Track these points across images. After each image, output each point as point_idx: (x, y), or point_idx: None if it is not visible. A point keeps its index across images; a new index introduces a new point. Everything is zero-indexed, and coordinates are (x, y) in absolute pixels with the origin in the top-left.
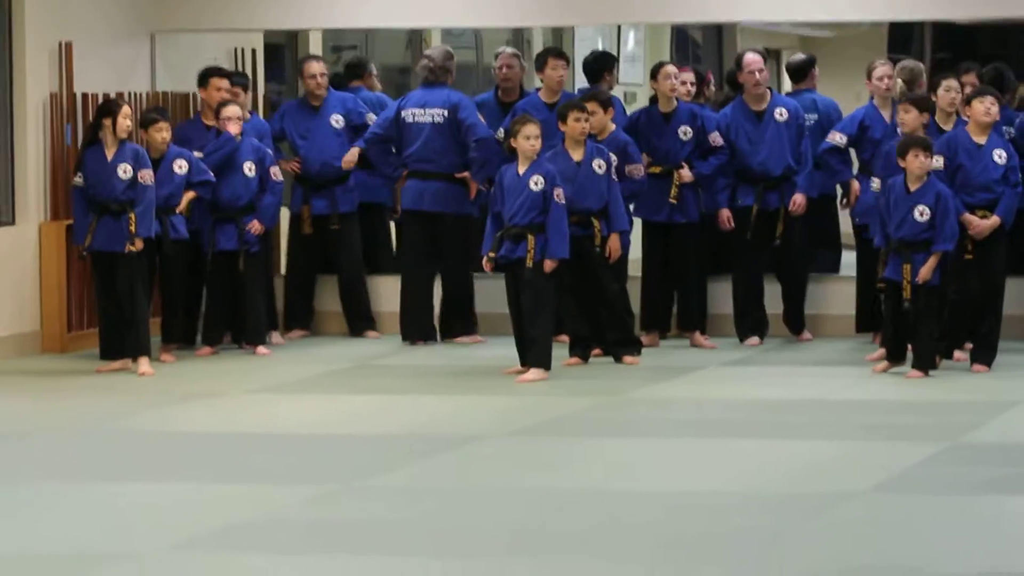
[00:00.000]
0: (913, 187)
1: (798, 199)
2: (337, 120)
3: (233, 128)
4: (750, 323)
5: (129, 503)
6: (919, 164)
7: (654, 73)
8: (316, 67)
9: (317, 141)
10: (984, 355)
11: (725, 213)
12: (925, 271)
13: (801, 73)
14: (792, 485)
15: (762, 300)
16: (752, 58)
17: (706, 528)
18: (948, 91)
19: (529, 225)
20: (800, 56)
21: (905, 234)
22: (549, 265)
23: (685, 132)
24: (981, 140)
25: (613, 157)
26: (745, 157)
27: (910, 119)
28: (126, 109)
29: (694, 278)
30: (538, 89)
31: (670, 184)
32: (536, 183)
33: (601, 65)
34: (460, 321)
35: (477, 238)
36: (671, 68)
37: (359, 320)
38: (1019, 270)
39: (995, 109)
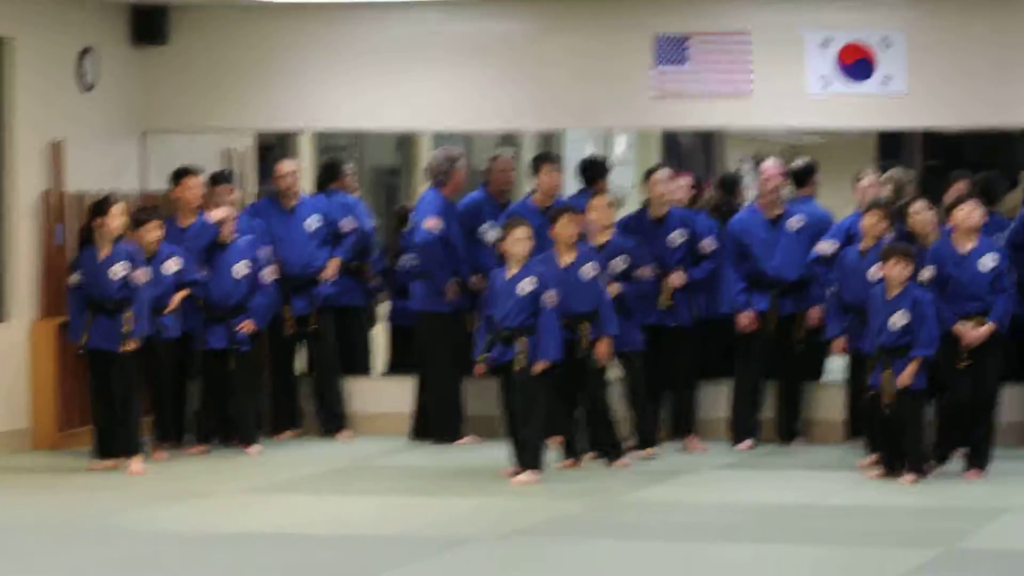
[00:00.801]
0: (892, 294)
1: (814, 312)
2: (312, 222)
3: (226, 233)
4: (747, 427)
5: None
6: (897, 272)
7: (647, 177)
8: (287, 167)
9: (294, 244)
10: (978, 461)
11: (746, 316)
12: (905, 376)
13: (802, 179)
14: None
15: (761, 404)
16: (770, 165)
17: None
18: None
19: (519, 328)
20: (801, 161)
21: (884, 341)
22: (539, 367)
23: (678, 237)
24: (966, 248)
25: (620, 260)
26: (759, 262)
27: (872, 227)
28: (117, 208)
29: (686, 381)
30: (532, 192)
31: (661, 289)
32: (526, 286)
33: (595, 170)
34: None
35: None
36: (663, 173)
37: (333, 420)
38: (1014, 376)
39: (977, 213)
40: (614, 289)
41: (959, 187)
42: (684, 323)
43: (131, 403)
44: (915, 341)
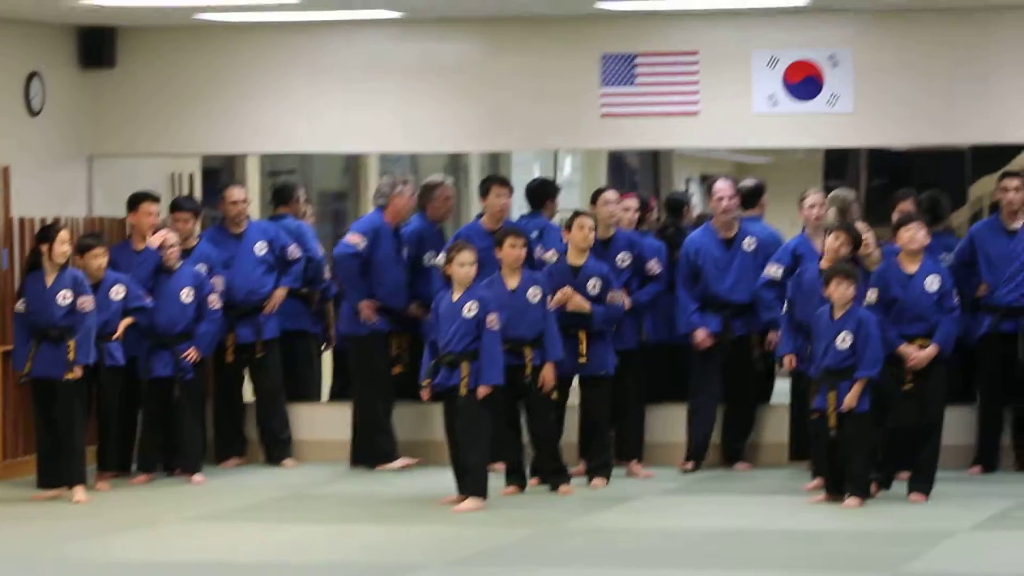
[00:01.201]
0: (837, 315)
1: (772, 336)
2: (260, 248)
3: (172, 260)
4: (700, 447)
5: None
6: (840, 293)
7: (594, 199)
8: (237, 193)
9: (241, 269)
10: (921, 484)
11: (702, 332)
12: (850, 398)
13: (751, 200)
14: None
15: (712, 427)
16: (721, 186)
17: None
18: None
19: (463, 352)
20: (749, 182)
21: (829, 362)
22: (482, 391)
23: (623, 259)
24: (912, 269)
25: (595, 283)
26: (712, 284)
27: (834, 248)
28: (63, 235)
29: (632, 406)
30: (480, 215)
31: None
32: (470, 309)
33: (543, 192)
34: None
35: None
36: (610, 194)
37: (277, 447)
38: (958, 399)
39: (921, 235)
40: (585, 307)
41: (904, 206)
42: (631, 347)
43: (74, 432)
44: (859, 362)
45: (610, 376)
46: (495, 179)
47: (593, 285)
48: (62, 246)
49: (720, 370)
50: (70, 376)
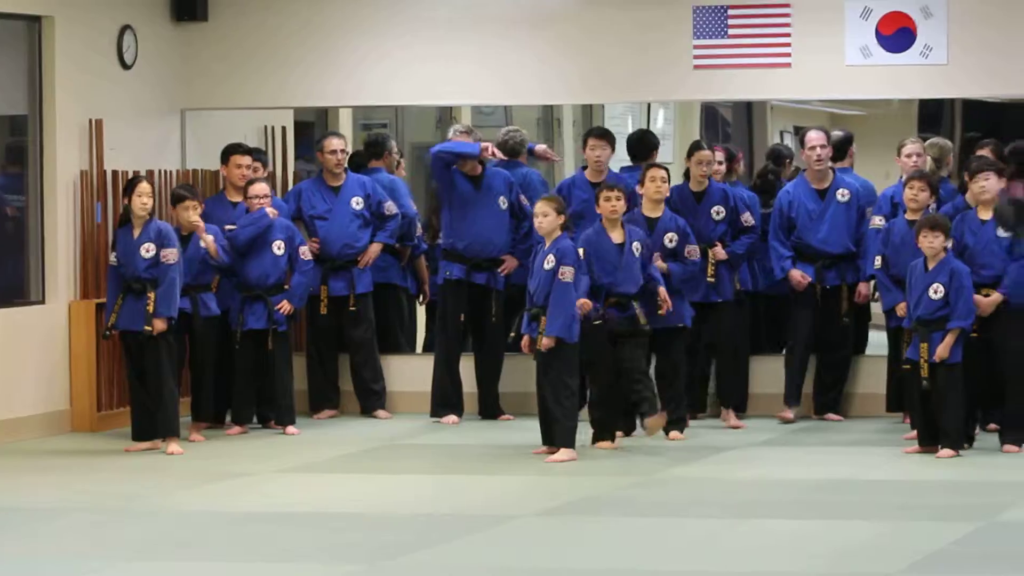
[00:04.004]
0: (930, 266)
1: (863, 288)
2: (357, 202)
3: (266, 207)
4: (794, 395)
5: None
6: (928, 244)
7: (690, 153)
8: (337, 143)
9: (337, 223)
10: (1014, 434)
11: (798, 273)
12: (942, 349)
13: (839, 152)
14: (828, 566)
15: (804, 373)
16: (814, 136)
17: None
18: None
19: (544, 305)
20: (838, 133)
21: (922, 312)
22: (545, 343)
23: (718, 212)
24: (986, 216)
25: (671, 237)
26: (805, 234)
27: (913, 198)
28: (142, 187)
29: (732, 356)
30: (584, 167)
31: (705, 264)
32: (549, 262)
33: (645, 144)
34: None
35: None
36: (706, 154)
37: (371, 399)
38: None
39: (991, 183)
40: (661, 266)
41: (984, 155)
42: (728, 298)
43: (165, 384)
44: (952, 313)
45: (687, 328)
46: (592, 131)
47: (670, 239)
48: (141, 199)
49: (813, 320)
50: (148, 329)
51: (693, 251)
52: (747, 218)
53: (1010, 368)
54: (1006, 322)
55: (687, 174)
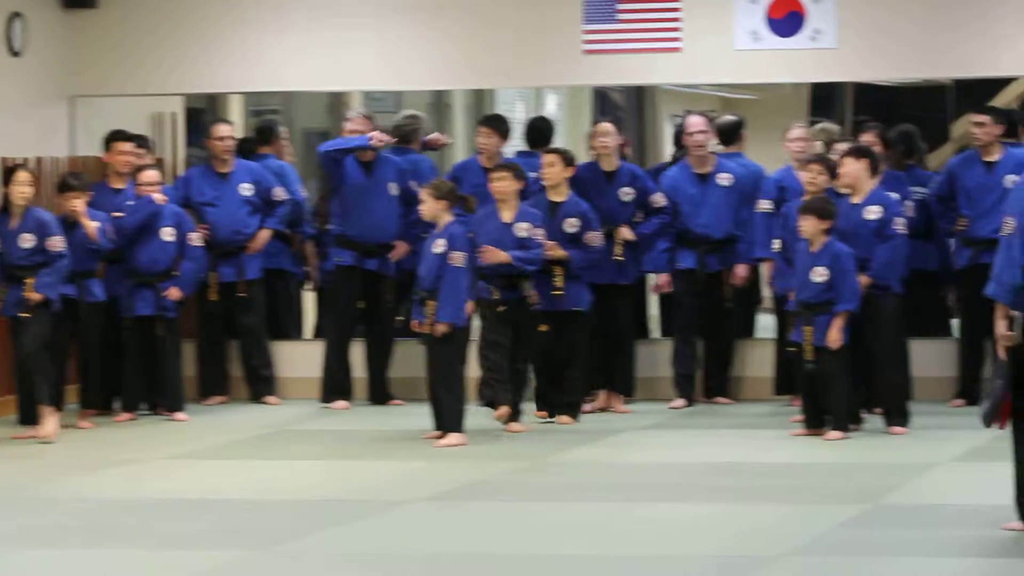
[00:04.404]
0: (814, 249)
1: (740, 271)
2: (246, 189)
3: (156, 195)
4: (685, 384)
5: (43, 571)
6: (808, 228)
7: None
8: (224, 129)
9: (226, 209)
10: (898, 417)
11: (664, 277)
12: (833, 334)
13: (730, 136)
14: (715, 549)
15: (693, 363)
16: (694, 120)
17: None
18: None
19: (431, 289)
20: (729, 118)
21: (806, 296)
22: (439, 329)
23: (627, 193)
24: (857, 199)
25: (573, 223)
26: (687, 219)
27: (820, 180)
28: (19, 176)
29: (629, 342)
30: (479, 152)
31: (611, 245)
32: (438, 246)
33: (542, 132)
34: None
35: None
36: (604, 126)
37: (260, 385)
38: (927, 331)
39: (848, 168)
40: (559, 254)
41: (869, 137)
42: (631, 282)
43: (39, 360)
44: (838, 297)
45: (584, 313)
46: (482, 120)
47: (571, 224)
48: (19, 188)
49: (696, 306)
50: (23, 315)
51: (595, 237)
52: (657, 199)
53: (879, 349)
54: (874, 305)
55: (597, 156)
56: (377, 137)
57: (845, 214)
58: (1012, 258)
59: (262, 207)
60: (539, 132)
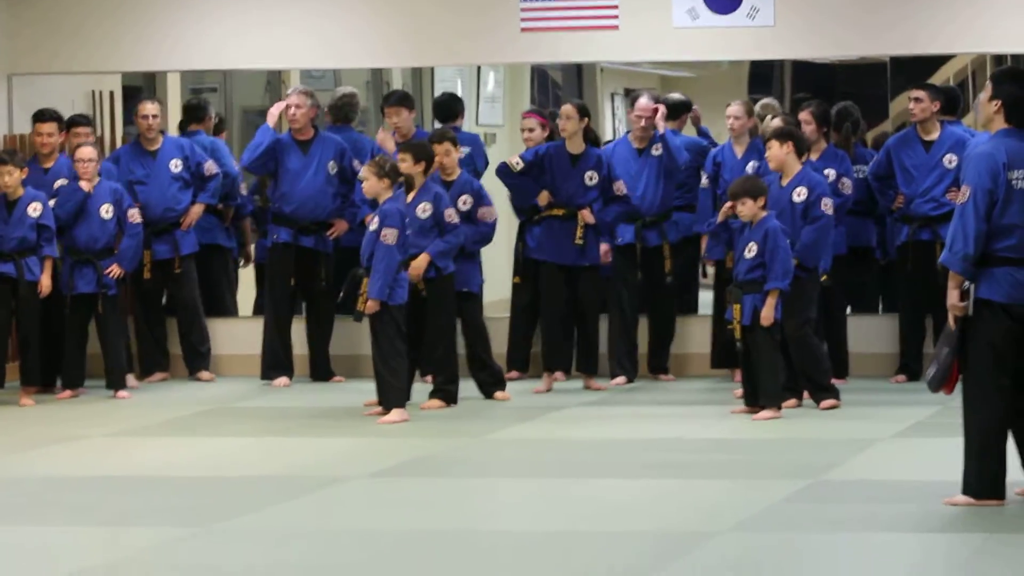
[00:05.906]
0: (751, 224)
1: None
2: (176, 165)
3: (88, 174)
4: (627, 362)
5: None
6: (745, 212)
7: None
8: (150, 107)
9: (157, 187)
10: (823, 393)
11: (604, 247)
12: (765, 312)
13: (676, 113)
14: (658, 524)
15: (633, 340)
16: (643, 103)
17: (575, 568)
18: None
19: (367, 267)
20: (676, 96)
21: (739, 271)
22: (370, 307)
23: (591, 177)
24: (785, 181)
25: (465, 199)
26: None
27: (778, 154)
28: None
29: (594, 323)
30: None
31: (574, 227)
32: (371, 223)
33: (449, 109)
34: None
35: None
36: (566, 108)
37: (196, 360)
38: (864, 308)
39: (776, 151)
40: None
41: (804, 115)
42: (595, 262)
43: None
44: (769, 274)
45: (476, 294)
46: (387, 98)
47: (464, 201)
48: None
49: (635, 281)
50: None
51: (486, 213)
52: (619, 187)
53: (791, 331)
54: (794, 285)
55: (564, 136)
56: (271, 113)
57: (775, 196)
58: (966, 227)
59: (193, 182)
60: (447, 108)
